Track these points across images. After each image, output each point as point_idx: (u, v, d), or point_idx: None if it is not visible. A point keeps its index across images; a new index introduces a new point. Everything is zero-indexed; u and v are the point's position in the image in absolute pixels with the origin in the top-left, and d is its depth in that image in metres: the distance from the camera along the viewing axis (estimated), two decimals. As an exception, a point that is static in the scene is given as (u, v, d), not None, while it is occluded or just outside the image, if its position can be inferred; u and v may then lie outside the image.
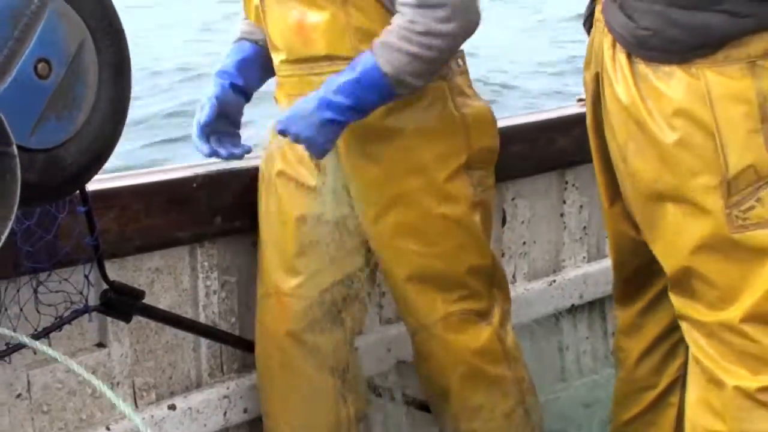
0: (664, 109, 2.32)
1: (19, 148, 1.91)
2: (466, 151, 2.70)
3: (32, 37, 2.03)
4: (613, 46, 2.42)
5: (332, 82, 2.49)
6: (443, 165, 2.68)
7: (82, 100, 2.15)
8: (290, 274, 2.80)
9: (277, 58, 2.71)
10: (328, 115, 2.48)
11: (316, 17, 2.57)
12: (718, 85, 2.26)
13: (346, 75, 2.48)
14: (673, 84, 2.30)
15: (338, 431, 2.88)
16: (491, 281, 2.84)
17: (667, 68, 2.31)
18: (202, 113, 2.76)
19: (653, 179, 2.39)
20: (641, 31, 2.34)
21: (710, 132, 2.27)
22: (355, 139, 2.64)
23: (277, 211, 2.80)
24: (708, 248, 2.35)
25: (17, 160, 1.89)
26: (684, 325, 2.50)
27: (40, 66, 2.05)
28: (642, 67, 2.36)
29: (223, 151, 2.78)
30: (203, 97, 2.79)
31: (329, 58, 2.59)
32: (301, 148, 2.60)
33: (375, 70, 2.46)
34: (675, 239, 2.41)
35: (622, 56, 2.40)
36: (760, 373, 2.36)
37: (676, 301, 2.50)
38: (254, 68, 2.83)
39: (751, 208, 2.29)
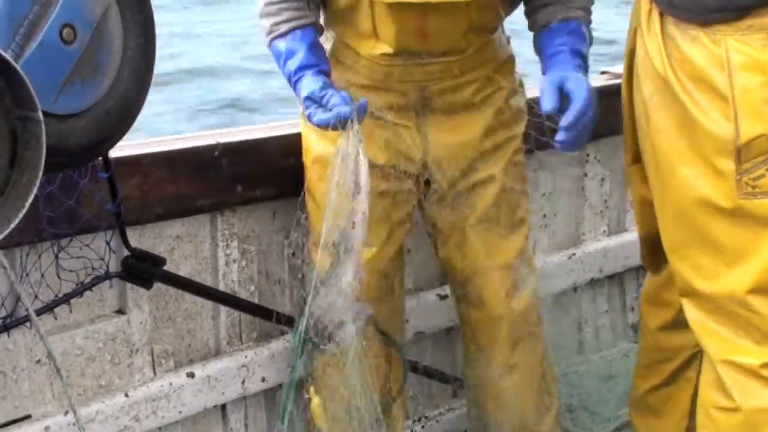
0: (687, 71, 2.37)
1: (44, 113, 1.91)
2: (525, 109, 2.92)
3: (57, 3, 2.02)
4: (650, 2, 2.47)
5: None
6: (521, 121, 2.90)
7: (107, 66, 2.14)
8: (365, 246, 2.77)
9: (374, 50, 2.67)
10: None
11: (440, 20, 2.59)
12: (738, 53, 2.29)
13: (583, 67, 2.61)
14: (697, 48, 2.35)
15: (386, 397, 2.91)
16: (528, 241, 2.97)
17: (692, 32, 2.35)
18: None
19: (675, 137, 2.43)
20: None
21: (726, 99, 2.30)
22: (450, 110, 2.76)
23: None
24: (715, 208, 2.38)
25: (42, 125, 1.88)
26: (688, 306, 2.51)
27: (65, 31, 2.04)
28: (671, 27, 2.41)
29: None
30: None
31: (445, 53, 2.67)
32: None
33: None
34: (684, 198, 2.44)
35: (656, 14, 2.45)
36: (763, 346, 2.37)
37: (681, 272, 2.51)
38: (322, 51, 2.71)
39: (761, 176, 2.32)
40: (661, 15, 2.44)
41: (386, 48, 2.65)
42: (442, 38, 2.62)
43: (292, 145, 2.86)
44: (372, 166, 2.72)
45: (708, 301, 2.44)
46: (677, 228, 2.49)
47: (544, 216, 3.65)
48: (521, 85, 2.91)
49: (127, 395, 2.75)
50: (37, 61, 1.98)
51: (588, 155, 3.73)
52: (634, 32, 2.58)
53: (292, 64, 2.60)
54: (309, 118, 2.50)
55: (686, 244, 2.47)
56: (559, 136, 2.43)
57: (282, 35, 2.64)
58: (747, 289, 2.36)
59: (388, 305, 2.89)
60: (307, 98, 2.51)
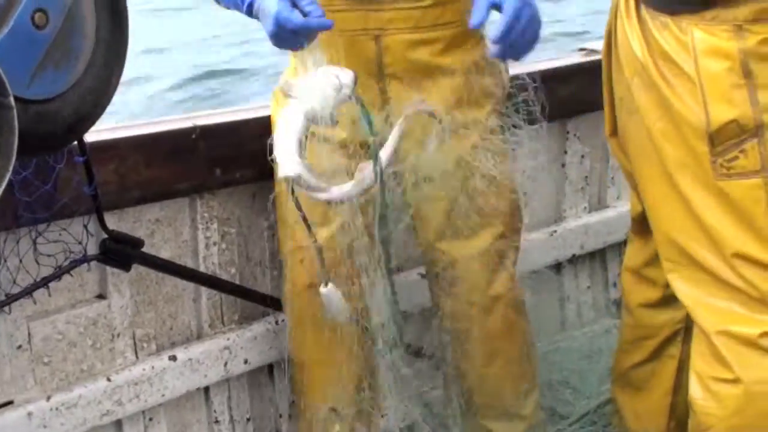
0: (660, 55, 2.40)
1: (17, 99, 1.90)
2: (500, 89, 2.81)
3: (29, -13, 2.01)
4: None
5: None
6: (488, 100, 2.77)
7: (80, 51, 2.13)
8: (322, 225, 2.73)
9: None
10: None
11: None
12: (702, 42, 2.32)
13: None
14: (666, 35, 2.39)
15: (362, 377, 2.88)
16: (511, 224, 2.89)
17: (662, 18, 2.39)
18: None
19: (657, 117, 2.45)
20: None
21: (694, 84, 2.33)
22: (411, 75, 2.67)
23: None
24: (699, 186, 2.40)
25: (14, 111, 1.87)
26: (677, 282, 2.52)
27: (37, 16, 2.02)
28: (644, 12, 2.44)
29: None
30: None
31: None
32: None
33: None
34: (672, 174, 2.45)
35: None
36: (763, 314, 2.38)
37: (675, 240, 2.51)
38: None
39: (735, 158, 2.35)
40: (637, 0, 2.47)
41: None
42: None
43: (269, 126, 2.86)
44: (331, 142, 2.67)
45: (701, 269, 2.45)
46: (668, 200, 2.48)
47: (525, 194, 3.64)
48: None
49: (109, 379, 2.75)
50: (8, 47, 1.96)
51: (568, 132, 3.74)
52: (614, 11, 2.60)
53: None
54: (280, 13, 2.34)
55: (677, 213, 2.47)
56: (492, 48, 2.36)
57: None
58: (732, 252, 2.38)
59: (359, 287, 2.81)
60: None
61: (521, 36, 2.34)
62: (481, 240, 2.82)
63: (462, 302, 2.86)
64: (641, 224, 2.82)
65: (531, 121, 3.15)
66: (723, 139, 2.33)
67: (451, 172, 2.73)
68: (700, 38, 2.32)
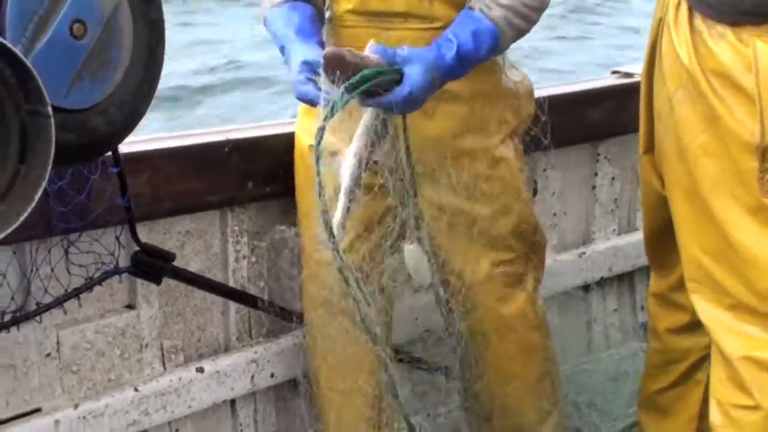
0: (712, 67, 2.37)
1: (54, 108, 1.92)
2: (517, 118, 2.79)
3: (68, -2, 2.04)
4: None
5: (462, 57, 2.44)
6: (499, 128, 2.74)
7: (117, 61, 2.16)
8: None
9: (340, 7, 2.64)
10: (441, 83, 2.45)
11: None
12: (766, 54, 2.28)
13: (472, 49, 2.46)
14: (724, 45, 2.35)
15: (378, 396, 2.88)
16: (529, 246, 2.87)
17: (720, 28, 2.36)
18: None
19: (699, 131, 2.42)
20: None
21: (752, 98, 2.30)
22: None
23: (314, 182, 2.74)
24: (738, 203, 2.38)
25: (52, 120, 1.89)
26: (701, 303, 2.50)
27: (75, 27, 2.05)
28: (699, 22, 2.41)
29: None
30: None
31: (405, 15, 2.60)
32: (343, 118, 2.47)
33: (496, 49, 2.52)
34: (707, 191, 2.43)
35: (684, 7, 2.45)
36: None
37: (701, 263, 2.49)
38: (318, 27, 2.65)
39: None
40: (690, 8, 2.44)
41: (348, 3, 2.61)
42: None
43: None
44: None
45: (727, 295, 2.43)
46: (698, 221, 2.47)
47: (554, 215, 3.65)
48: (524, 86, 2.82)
49: (136, 389, 2.76)
50: (46, 56, 2.00)
51: (598, 154, 3.74)
52: (658, 23, 2.57)
53: (289, 29, 2.53)
54: (297, 84, 2.39)
55: (707, 235, 2.45)
56: None
57: (279, 4, 2.62)
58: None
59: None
60: (305, 62, 2.40)
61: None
62: (487, 264, 2.80)
63: (477, 324, 2.85)
64: (654, 248, 2.81)
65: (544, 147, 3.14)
66: None
67: (454, 198, 2.72)
68: (764, 50, 2.29)
